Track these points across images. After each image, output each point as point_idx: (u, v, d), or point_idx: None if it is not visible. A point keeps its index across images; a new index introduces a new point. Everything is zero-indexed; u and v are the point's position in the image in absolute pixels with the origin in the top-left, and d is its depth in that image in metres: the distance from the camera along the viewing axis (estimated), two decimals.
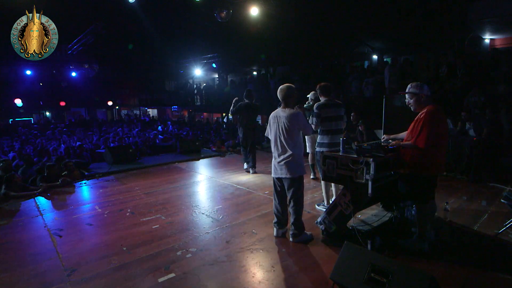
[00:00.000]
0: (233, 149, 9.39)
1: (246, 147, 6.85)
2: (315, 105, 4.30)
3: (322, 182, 4.37)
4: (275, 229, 3.68)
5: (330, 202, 4.28)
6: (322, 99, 4.35)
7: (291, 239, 3.52)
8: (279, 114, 3.44)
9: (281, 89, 3.49)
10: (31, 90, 17.99)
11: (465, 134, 6.15)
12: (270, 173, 3.68)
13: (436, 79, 8.61)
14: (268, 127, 3.60)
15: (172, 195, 5.37)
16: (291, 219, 3.55)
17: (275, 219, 3.65)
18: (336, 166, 3.28)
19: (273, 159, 3.54)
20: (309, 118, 4.50)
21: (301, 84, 11.56)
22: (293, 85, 3.56)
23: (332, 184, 4.45)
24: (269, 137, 3.59)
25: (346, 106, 4.69)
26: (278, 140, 3.44)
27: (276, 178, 3.53)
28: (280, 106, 3.54)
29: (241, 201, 4.97)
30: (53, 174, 5.98)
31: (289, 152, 3.37)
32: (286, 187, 3.48)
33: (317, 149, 4.30)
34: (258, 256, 3.25)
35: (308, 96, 6.06)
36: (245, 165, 6.95)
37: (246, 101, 6.63)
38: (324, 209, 4.28)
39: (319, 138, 4.28)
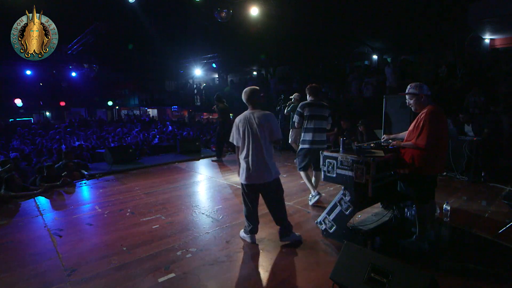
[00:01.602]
0: (232, 149, 9.40)
1: (224, 143, 7.90)
2: (300, 104, 4.52)
3: (302, 173, 4.58)
4: (249, 236, 3.49)
5: (316, 190, 4.57)
6: (308, 99, 4.55)
7: (280, 239, 3.42)
8: (249, 116, 3.25)
9: (245, 91, 3.35)
10: (31, 90, 18.03)
11: (465, 134, 6.15)
12: None
13: (436, 79, 8.62)
14: (234, 132, 3.34)
15: (172, 195, 5.37)
16: (280, 220, 3.41)
17: (251, 226, 3.46)
18: (336, 166, 3.28)
19: (244, 166, 3.28)
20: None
21: (301, 84, 11.59)
22: (257, 87, 3.46)
23: (313, 172, 4.59)
24: (234, 142, 3.36)
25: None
26: (251, 144, 3.20)
27: (257, 184, 3.28)
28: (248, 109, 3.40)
29: (241, 201, 4.95)
30: (53, 174, 5.98)
31: (265, 154, 3.21)
32: (269, 190, 3.32)
33: (301, 146, 4.51)
34: (258, 256, 3.25)
35: (291, 97, 6.45)
36: (216, 158, 7.88)
37: (224, 104, 7.72)
38: (314, 199, 4.53)
39: (302, 136, 4.48)
